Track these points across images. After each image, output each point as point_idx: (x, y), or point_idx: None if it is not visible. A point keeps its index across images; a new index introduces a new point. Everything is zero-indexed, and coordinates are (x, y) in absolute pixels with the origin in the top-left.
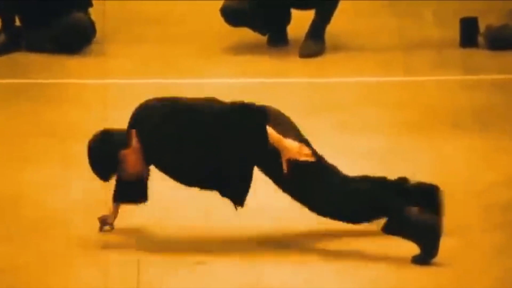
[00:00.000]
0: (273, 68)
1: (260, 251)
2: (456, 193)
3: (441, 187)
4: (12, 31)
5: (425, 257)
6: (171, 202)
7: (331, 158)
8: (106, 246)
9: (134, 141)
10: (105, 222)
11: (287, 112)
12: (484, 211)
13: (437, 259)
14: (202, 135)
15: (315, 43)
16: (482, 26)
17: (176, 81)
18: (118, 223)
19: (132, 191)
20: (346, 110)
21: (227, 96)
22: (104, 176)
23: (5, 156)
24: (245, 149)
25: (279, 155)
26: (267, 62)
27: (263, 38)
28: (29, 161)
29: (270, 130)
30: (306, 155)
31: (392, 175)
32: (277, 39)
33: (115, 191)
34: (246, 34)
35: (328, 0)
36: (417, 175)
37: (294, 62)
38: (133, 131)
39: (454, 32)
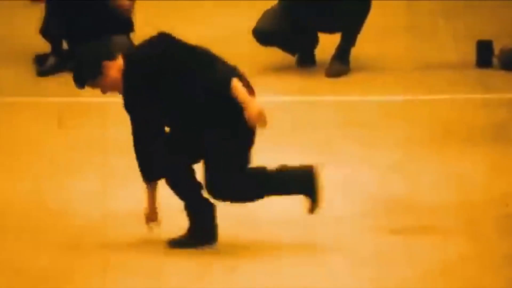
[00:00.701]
0: (302, 86)
1: (285, 256)
2: (472, 203)
3: (457, 197)
4: (60, 54)
5: (313, 207)
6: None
7: (354, 169)
8: (143, 253)
9: (120, 59)
10: (150, 219)
11: (314, 127)
12: (496, 220)
13: (452, 263)
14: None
15: (341, 65)
16: (496, 48)
17: None
18: (150, 231)
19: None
20: (368, 126)
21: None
22: (80, 81)
23: (52, 168)
24: (210, 91)
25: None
26: (296, 81)
27: (292, 59)
28: (74, 173)
29: (236, 82)
30: (263, 121)
31: (411, 187)
32: (305, 60)
33: (142, 171)
34: (276, 54)
35: (353, 25)
36: (435, 186)
37: (321, 82)
38: (121, 54)
39: (470, 53)
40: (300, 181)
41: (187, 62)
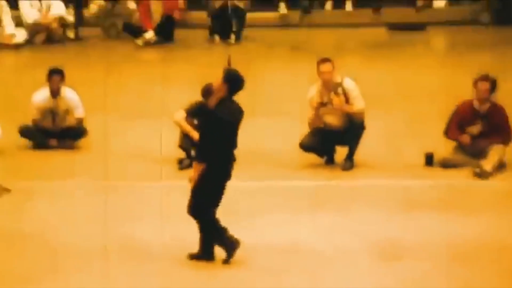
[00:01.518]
0: (327, 175)
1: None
2: (435, 242)
3: (422, 239)
4: (190, 158)
5: (228, 259)
6: (279, 226)
7: (358, 218)
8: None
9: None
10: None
11: (334, 195)
12: (451, 253)
13: (422, 280)
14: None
15: (349, 163)
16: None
17: (271, 182)
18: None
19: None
20: (363, 195)
21: (302, 192)
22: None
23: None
24: None
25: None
26: (324, 172)
27: (322, 160)
28: None
29: (195, 164)
30: (189, 181)
31: (391, 232)
32: (329, 160)
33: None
34: (313, 157)
35: (355, 141)
36: (406, 232)
37: (338, 173)
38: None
39: (421, 159)
40: (228, 242)
41: (221, 130)
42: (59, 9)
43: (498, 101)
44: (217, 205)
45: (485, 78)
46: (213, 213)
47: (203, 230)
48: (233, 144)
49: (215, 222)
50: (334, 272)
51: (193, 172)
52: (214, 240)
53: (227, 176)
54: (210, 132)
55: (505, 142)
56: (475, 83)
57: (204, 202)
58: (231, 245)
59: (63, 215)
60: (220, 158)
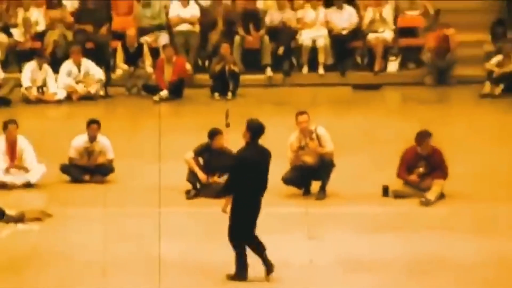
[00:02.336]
0: (305, 203)
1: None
2: (396, 261)
3: (385, 256)
4: (197, 189)
5: (268, 272)
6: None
7: (334, 239)
8: None
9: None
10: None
11: (310, 223)
12: (408, 268)
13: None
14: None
15: (322, 194)
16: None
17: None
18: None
19: None
20: (332, 219)
21: (284, 217)
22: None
23: None
24: None
25: None
26: (301, 201)
27: (300, 191)
28: None
29: (226, 199)
30: (224, 211)
31: (363, 250)
32: (306, 192)
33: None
34: (292, 189)
35: (326, 176)
36: (374, 253)
37: (313, 201)
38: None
39: (379, 191)
40: (245, 266)
41: (249, 171)
42: (99, 74)
43: (437, 144)
44: (246, 231)
45: (421, 142)
46: (242, 239)
47: (235, 251)
48: (258, 180)
49: (242, 247)
50: (319, 281)
51: (224, 203)
52: (241, 260)
53: (253, 207)
54: (235, 171)
55: (444, 177)
56: (416, 142)
57: (233, 229)
58: (245, 267)
59: (93, 236)
60: (245, 192)
